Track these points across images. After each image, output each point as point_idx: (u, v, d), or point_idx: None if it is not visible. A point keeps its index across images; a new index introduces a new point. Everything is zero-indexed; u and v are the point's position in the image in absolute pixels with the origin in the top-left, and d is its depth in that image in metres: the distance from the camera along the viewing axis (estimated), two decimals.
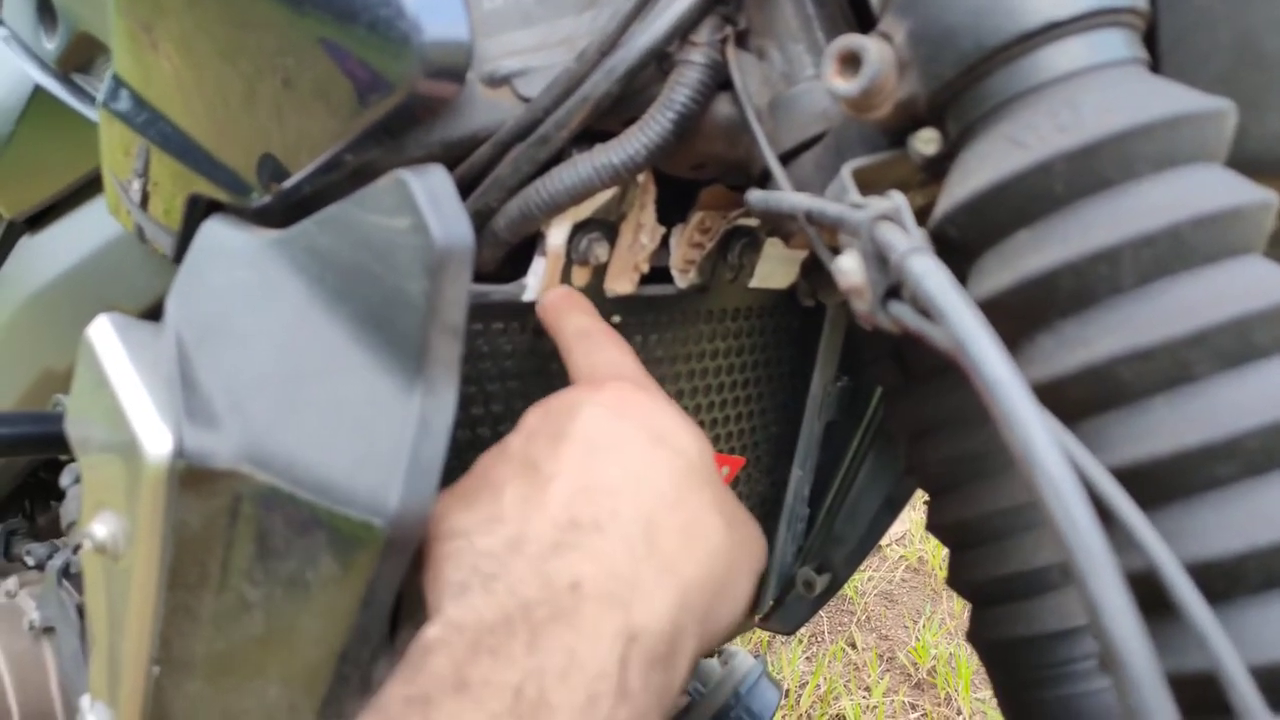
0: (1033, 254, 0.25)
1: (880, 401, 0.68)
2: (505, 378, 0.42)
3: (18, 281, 0.61)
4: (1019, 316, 0.26)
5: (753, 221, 0.51)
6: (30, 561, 0.71)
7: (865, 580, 1.93)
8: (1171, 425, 0.23)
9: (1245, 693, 0.19)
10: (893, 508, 0.69)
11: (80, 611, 0.62)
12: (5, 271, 0.64)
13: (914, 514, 2.11)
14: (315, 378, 0.31)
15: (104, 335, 0.34)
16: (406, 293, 0.30)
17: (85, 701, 0.39)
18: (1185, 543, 0.23)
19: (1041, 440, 0.22)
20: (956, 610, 1.84)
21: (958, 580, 0.49)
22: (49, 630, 0.64)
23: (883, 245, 0.27)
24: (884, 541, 2.05)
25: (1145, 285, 0.24)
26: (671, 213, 0.47)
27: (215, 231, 0.36)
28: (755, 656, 0.77)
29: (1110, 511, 0.23)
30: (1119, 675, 0.20)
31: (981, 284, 0.27)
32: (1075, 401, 0.25)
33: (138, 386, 0.32)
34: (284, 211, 0.35)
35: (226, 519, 0.30)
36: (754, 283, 0.54)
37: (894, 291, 0.28)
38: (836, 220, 0.30)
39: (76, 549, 0.48)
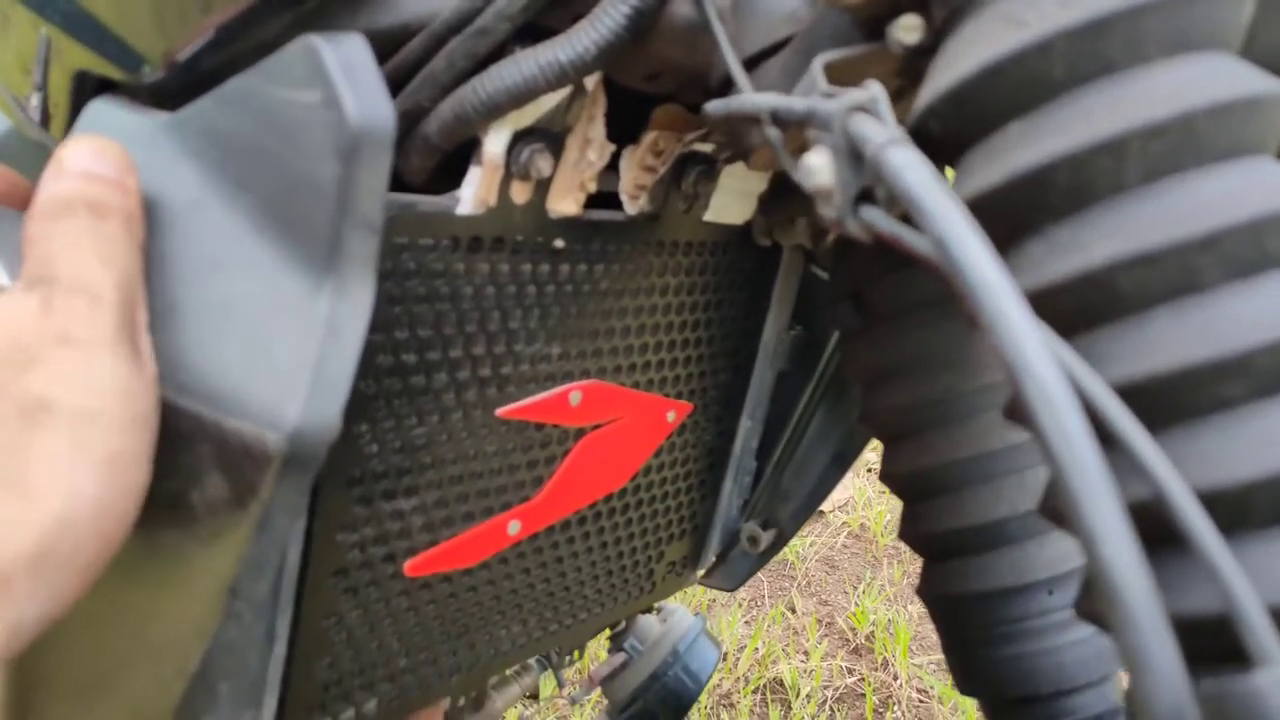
0: (1025, 147, 0.22)
1: (833, 354, 0.65)
2: (434, 299, 0.39)
3: None
4: (1007, 221, 0.23)
5: (708, 147, 0.47)
6: None
7: (807, 546, 1.93)
8: (1175, 340, 0.21)
9: (1262, 633, 0.17)
10: (841, 464, 0.67)
11: None
12: None
13: (857, 480, 2.12)
14: (208, 274, 0.27)
15: None
16: (315, 179, 0.26)
17: None
18: (1188, 470, 0.21)
19: (1034, 347, 0.19)
20: (896, 577, 1.85)
21: (910, 533, 0.47)
22: None
23: (857, 139, 0.24)
24: (826, 508, 2.05)
25: (1151, 183, 0.21)
26: (622, 135, 0.43)
27: (101, 113, 0.32)
28: (695, 615, 0.75)
29: (1108, 433, 0.20)
30: (1116, 613, 0.18)
31: (966, 185, 0.24)
32: (1068, 315, 0.22)
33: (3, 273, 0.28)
34: (180, 90, 0.31)
35: None
36: (708, 216, 0.51)
37: (866, 195, 0.25)
38: (805, 114, 0.26)
39: None
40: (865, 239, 0.26)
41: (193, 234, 0.28)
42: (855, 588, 1.80)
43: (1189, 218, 0.21)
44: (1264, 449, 0.20)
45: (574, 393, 0.47)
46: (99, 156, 0.28)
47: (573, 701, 0.71)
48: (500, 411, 0.44)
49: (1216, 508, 0.20)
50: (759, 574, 1.82)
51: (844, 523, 2.02)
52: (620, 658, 0.71)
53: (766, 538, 0.67)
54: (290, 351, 0.25)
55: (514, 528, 0.47)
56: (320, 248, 0.26)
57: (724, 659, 1.54)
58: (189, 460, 0.26)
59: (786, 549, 1.88)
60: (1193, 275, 0.21)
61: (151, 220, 0.28)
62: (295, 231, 0.26)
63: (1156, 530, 0.20)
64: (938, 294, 0.45)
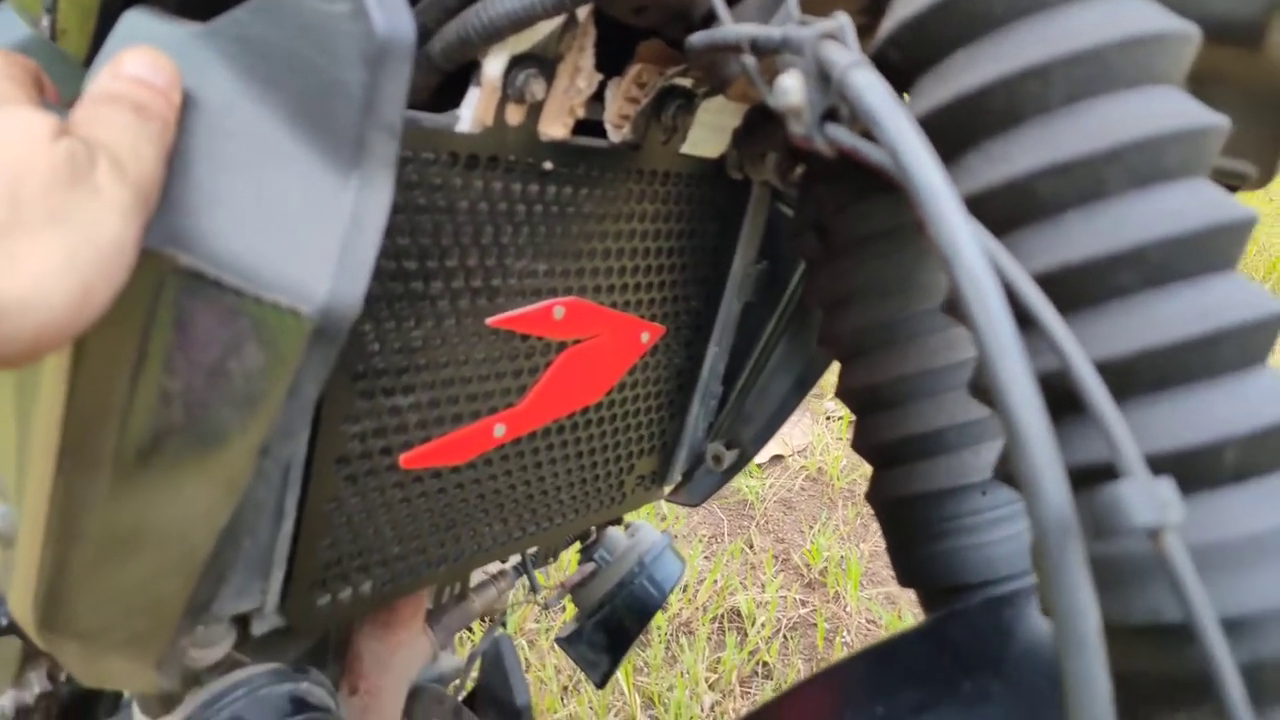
0: (968, 71, 0.26)
1: (796, 288, 0.69)
2: (434, 211, 0.42)
3: None
4: (951, 136, 0.27)
5: (688, 82, 0.51)
6: None
7: (766, 487, 1.99)
8: (1083, 236, 0.25)
9: (1131, 456, 0.21)
10: (801, 389, 0.71)
11: None
12: None
13: (816, 427, 2.18)
14: (244, 167, 0.30)
15: None
16: (343, 83, 0.29)
17: None
18: (1089, 345, 0.25)
19: (965, 239, 0.23)
20: (850, 517, 1.93)
21: (862, 443, 0.52)
22: None
23: (825, 62, 0.28)
24: (786, 452, 2.12)
25: (1070, 104, 0.25)
26: (608, 68, 0.46)
27: (136, 22, 0.34)
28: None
29: (1027, 315, 0.24)
30: (1017, 451, 0.22)
31: (918, 104, 0.28)
32: (998, 217, 0.26)
33: None
34: (203, 4, 0.34)
35: (146, 306, 0.29)
36: (685, 148, 0.54)
37: (832, 114, 0.29)
38: (781, 41, 0.30)
39: None
40: (829, 153, 0.29)
41: (228, 132, 0.31)
42: (811, 527, 1.87)
43: (1097, 134, 0.25)
44: (1150, 327, 0.24)
45: (557, 307, 0.51)
46: (153, 67, 0.31)
47: (545, 607, 0.75)
48: (490, 320, 0.47)
49: (1110, 375, 0.25)
50: (719, 512, 1.89)
51: (802, 466, 2.08)
52: (589, 567, 0.76)
53: (730, 457, 0.71)
54: (320, 237, 0.29)
55: (499, 430, 0.51)
56: (346, 146, 0.29)
57: (684, 590, 1.60)
58: (230, 332, 0.29)
59: (746, 490, 1.95)
60: (1099, 183, 0.25)
61: (188, 118, 0.31)
62: (323, 131, 0.30)
63: (1061, 399, 0.25)
64: (891, 226, 0.49)
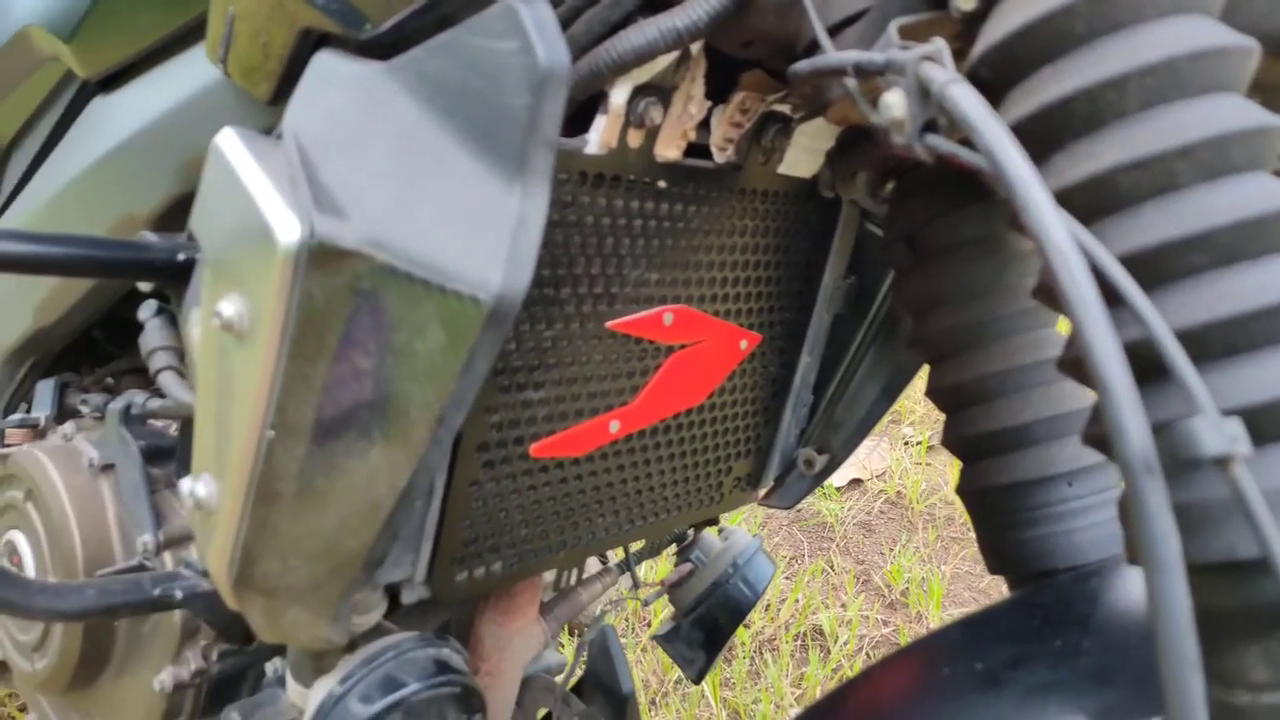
0: (1054, 84, 0.30)
1: (883, 302, 0.73)
2: (563, 224, 0.47)
3: (90, 140, 0.65)
4: (1039, 140, 0.31)
5: (786, 108, 0.55)
6: (86, 409, 0.75)
7: (845, 510, 2.01)
8: (1159, 223, 0.29)
9: (1206, 403, 0.25)
10: (889, 396, 0.75)
11: (142, 451, 0.67)
12: (76, 132, 0.68)
13: (894, 451, 2.19)
14: (426, 180, 0.36)
15: (231, 142, 0.38)
16: (510, 108, 0.35)
17: (186, 483, 0.44)
18: (1166, 318, 0.28)
19: (1056, 226, 0.27)
20: (930, 539, 1.93)
21: (952, 439, 0.55)
22: (107, 468, 0.70)
23: (925, 79, 0.32)
24: (865, 477, 2.13)
25: (1144, 110, 0.29)
26: (714, 95, 0.51)
27: (328, 61, 0.40)
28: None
29: (1112, 292, 0.28)
30: (1105, 403, 0.26)
31: (1008, 114, 0.32)
32: (1083, 209, 0.30)
33: (266, 181, 0.36)
34: (387, 46, 0.40)
35: (347, 295, 0.35)
36: (782, 168, 0.59)
37: (931, 125, 0.34)
38: (885, 63, 0.34)
39: (154, 375, 0.52)
40: (929, 159, 0.34)
41: (412, 151, 0.36)
42: (891, 549, 1.87)
43: (1170, 134, 0.29)
44: (1220, 301, 0.28)
45: (667, 314, 0.56)
46: None
47: (645, 604, 0.79)
48: (609, 324, 0.52)
49: (1185, 343, 0.28)
50: (799, 534, 1.91)
51: (880, 490, 2.09)
52: (686, 568, 0.80)
53: (821, 461, 0.75)
54: (492, 237, 0.34)
55: (614, 426, 0.56)
56: (511, 161, 0.35)
57: (765, 608, 1.62)
58: (417, 316, 0.35)
59: (826, 512, 1.96)
60: (1173, 177, 0.29)
61: (381, 140, 0.37)
62: (492, 149, 0.35)
63: (1144, 367, 0.29)
64: (978, 234, 0.53)
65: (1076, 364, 0.32)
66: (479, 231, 0.34)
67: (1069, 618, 0.40)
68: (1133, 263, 0.29)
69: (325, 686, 0.48)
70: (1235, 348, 0.28)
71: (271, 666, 0.64)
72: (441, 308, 0.34)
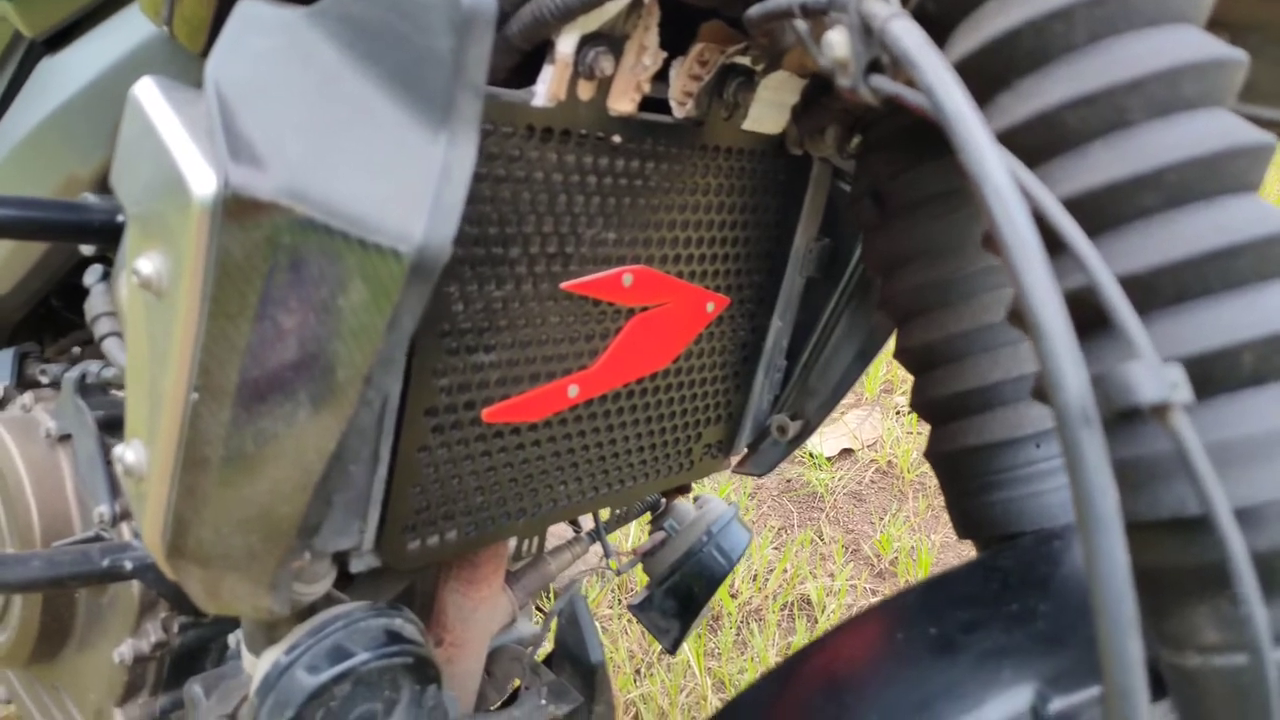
0: (1000, 16, 0.29)
1: (857, 265, 0.72)
2: (512, 180, 0.46)
3: (37, 101, 0.63)
4: (985, 78, 0.30)
5: (747, 60, 0.54)
6: (45, 380, 0.74)
7: (836, 480, 2.00)
8: (1107, 162, 0.27)
9: (1143, 344, 0.23)
10: (863, 361, 0.73)
11: (99, 421, 0.66)
12: (26, 92, 0.66)
13: (886, 421, 2.18)
14: (348, 128, 0.34)
15: (149, 92, 0.37)
16: (434, 51, 0.33)
17: (119, 449, 0.43)
18: (1113, 262, 0.27)
19: (996, 166, 0.26)
20: (921, 509, 1.92)
21: (920, 400, 0.54)
22: (65, 438, 0.68)
23: (867, 15, 0.30)
24: (855, 446, 2.12)
25: (1093, 42, 0.28)
26: (672, 48, 0.49)
27: (252, 7, 0.38)
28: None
29: (1055, 239, 0.26)
30: (1041, 351, 0.24)
31: (952, 51, 0.30)
32: (1029, 149, 0.29)
33: (183, 132, 0.35)
34: None
35: (266, 250, 0.34)
36: (747, 124, 0.57)
37: (875, 65, 0.32)
38: (827, 1, 0.33)
39: (98, 342, 0.51)
40: (874, 102, 0.32)
41: (334, 98, 0.35)
42: (881, 518, 1.87)
43: (1120, 67, 0.27)
44: (1171, 243, 0.27)
45: (626, 275, 0.54)
46: None
47: (618, 573, 0.79)
48: (564, 285, 0.51)
49: (1133, 289, 0.27)
50: (788, 504, 1.90)
51: (872, 460, 2.08)
52: (660, 536, 0.79)
53: (794, 427, 0.73)
54: (414, 188, 0.32)
55: (573, 391, 0.54)
56: (436, 107, 0.33)
57: (753, 578, 1.62)
58: (339, 271, 0.33)
59: (815, 482, 1.95)
60: (1122, 113, 0.27)
61: (301, 87, 0.35)
62: (416, 95, 0.33)
63: (1087, 317, 0.27)
64: (943, 189, 0.51)
65: (1020, 314, 0.30)
66: (402, 182, 0.33)
67: (1029, 580, 0.39)
68: (1080, 205, 0.28)
69: (271, 657, 0.47)
70: (1186, 293, 0.27)
71: (234, 638, 0.63)
72: (363, 262, 0.33)
